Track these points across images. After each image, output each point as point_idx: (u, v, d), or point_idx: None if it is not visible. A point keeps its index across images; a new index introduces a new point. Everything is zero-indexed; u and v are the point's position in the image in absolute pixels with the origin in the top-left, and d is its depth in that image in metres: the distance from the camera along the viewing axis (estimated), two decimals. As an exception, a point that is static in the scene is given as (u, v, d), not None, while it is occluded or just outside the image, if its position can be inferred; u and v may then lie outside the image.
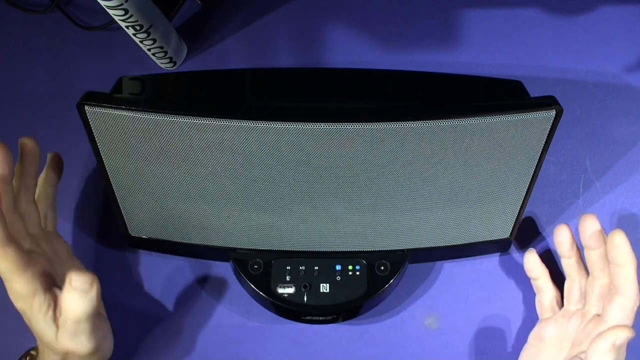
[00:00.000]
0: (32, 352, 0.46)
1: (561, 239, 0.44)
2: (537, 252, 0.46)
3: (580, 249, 0.44)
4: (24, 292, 0.38)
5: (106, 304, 0.45)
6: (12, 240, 0.37)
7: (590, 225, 0.42)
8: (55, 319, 0.39)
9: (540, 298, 0.46)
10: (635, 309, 0.39)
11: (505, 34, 0.60)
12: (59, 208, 0.47)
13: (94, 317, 0.39)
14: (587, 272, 0.44)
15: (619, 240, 0.39)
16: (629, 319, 0.39)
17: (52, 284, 0.39)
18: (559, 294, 0.46)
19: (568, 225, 0.44)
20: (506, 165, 0.41)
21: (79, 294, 0.37)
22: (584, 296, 0.44)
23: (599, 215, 0.52)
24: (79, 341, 0.39)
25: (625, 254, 0.39)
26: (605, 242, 0.41)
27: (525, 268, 0.47)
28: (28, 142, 0.43)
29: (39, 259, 0.39)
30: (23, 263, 0.37)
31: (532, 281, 0.47)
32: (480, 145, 0.39)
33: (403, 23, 0.61)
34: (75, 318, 0.38)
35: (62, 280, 0.38)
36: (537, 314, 0.47)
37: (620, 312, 0.39)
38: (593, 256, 0.42)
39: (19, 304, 0.38)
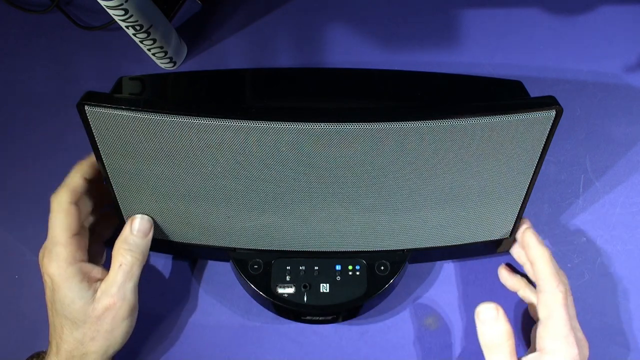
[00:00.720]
0: (42, 354, 0.46)
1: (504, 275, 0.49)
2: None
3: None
4: (63, 255, 0.40)
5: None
6: (78, 203, 0.42)
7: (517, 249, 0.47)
8: (90, 284, 0.41)
9: (529, 306, 0.47)
10: (558, 298, 0.40)
11: (505, 34, 0.60)
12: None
13: (142, 268, 0.43)
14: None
15: (526, 238, 0.43)
16: (557, 312, 0.40)
17: (87, 258, 0.43)
18: None
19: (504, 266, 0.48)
20: (506, 165, 0.41)
21: (139, 234, 0.43)
22: None
23: (599, 215, 0.52)
24: (125, 291, 0.42)
25: (532, 250, 0.43)
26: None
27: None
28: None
29: (86, 232, 0.44)
30: (76, 227, 0.42)
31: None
32: (480, 145, 0.39)
33: (403, 23, 0.61)
34: (132, 260, 0.42)
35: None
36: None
37: (544, 309, 0.40)
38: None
39: (52, 266, 0.40)
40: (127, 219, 0.45)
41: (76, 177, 0.43)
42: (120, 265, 0.42)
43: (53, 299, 0.41)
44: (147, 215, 0.44)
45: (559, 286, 0.40)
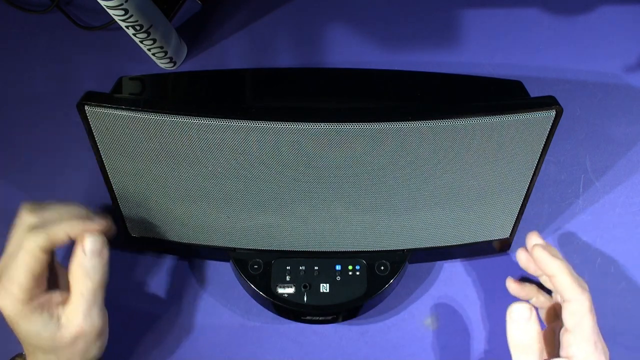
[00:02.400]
0: (17, 359, 0.45)
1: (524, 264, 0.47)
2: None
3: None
4: (20, 297, 0.37)
5: (106, 303, 0.45)
6: (52, 251, 0.39)
7: (523, 256, 0.45)
8: (52, 313, 0.39)
9: (540, 310, 0.47)
10: (585, 306, 0.40)
11: (505, 34, 0.60)
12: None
13: (104, 288, 0.40)
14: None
15: (538, 256, 0.42)
16: (585, 319, 0.40)
17: (45, 287, 0.40)
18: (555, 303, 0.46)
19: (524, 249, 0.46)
20: (506, 165, 0.41)
21: (93, 257, 0.39)
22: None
23: (599, 215, 0.52)
24: (92, 317, 0.39)
25: (549, 265, 0.41)
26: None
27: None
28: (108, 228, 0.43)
29: (47, 266, 0.40)
30: (41, 271, 0.38)
31: None
32: (480, 145, 0.39)
33: (403, 23, 0.61)
34: (93, 286, 0.39)
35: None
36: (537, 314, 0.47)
37: (571, 317, 0.40)
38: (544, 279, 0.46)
39: (7, 304, 0.38)
40: (127, 219, 0.45)
41: (61, 233, 0.39)
42: (82, 294, 0.39)
43: (16, 331, 0.39)
44: (99, 235, 0.40)
45: (583, 293, 0.40)
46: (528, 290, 0.47)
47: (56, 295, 0.40)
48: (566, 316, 0.40)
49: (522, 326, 0.39)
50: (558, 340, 0.41)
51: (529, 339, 0.39)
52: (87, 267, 0.39)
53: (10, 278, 0.38)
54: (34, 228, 0.39)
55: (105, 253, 0.40)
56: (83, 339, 0.39)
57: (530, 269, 0.46)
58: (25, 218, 0.40)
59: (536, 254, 0.42)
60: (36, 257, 0.38)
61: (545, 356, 0.40)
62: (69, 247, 0.44)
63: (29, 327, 0.38)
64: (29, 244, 0.38)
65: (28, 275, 0.38)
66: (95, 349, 0.41)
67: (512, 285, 0.47)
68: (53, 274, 0.42)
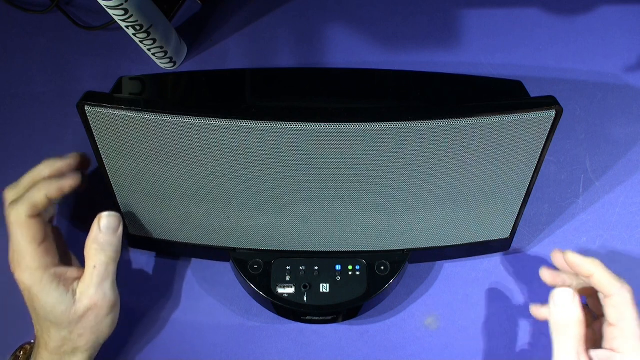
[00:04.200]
0: (26, 346, 0.46)
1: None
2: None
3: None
4: (35, 265, 0.40)
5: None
6: (40, 214, 0.41)
7: (559, 261, 0.44)
8: (67, 287, 0.41)
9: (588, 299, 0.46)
10: (627, 298, 0.40)
11: (505, 34, 0.60)
12: (58, 207, 0.47)
13: (116, 264, 0.42)
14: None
15: (571, 259, 0.42)
16: (628, 311, 0.39)
17: (58, 260, 0.42)
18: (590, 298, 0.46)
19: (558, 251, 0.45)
20: (506, 165, 0.41)
21: (108, 233, 0.42)
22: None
23: (599, 215, 0.52)
24: (104, 290, 0.41)
25: (584, 266, 0.41)
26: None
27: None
28: (82, 160, 0.46)
29: (52, 236, 0.42)
30: (41, 236, 0.41)
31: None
32: (480, 145, 0.39)
33: (403, 23, 0.61)
34: (106, 260, 0.41)
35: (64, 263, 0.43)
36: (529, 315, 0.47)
37: (614, 311, 0.40)
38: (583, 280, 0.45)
39: (26, 277, 0.40)
40: (127, 219, 0.45)
41: (40, 195, 0.41)
42: (95, 266, 0.41)
43: (33, 306, 0.41)
44: (115, 213, 0.43)
45: (624, 286, 0.40)
46: (564, 277, 0.46)
47: (72, 271, 0.42)
48: (609, 310, 0.40)
49: (565, 306, 0.39)
50: (598, 339, 0.41)
51: (571, 319, 0.39)
52: (101, 242, 0.42)
53: (19, 253, 0.40)
54: (13, 201, 0.41)
55: (120, 230, 0.43)
56: (94, 311, 0.41)
57: (558, 281, 0.46)
58: (6, 197, 0.43)
59: (571, 258, 0.42)
60: (26, 224, 0.40)
61: (584, 345, 0.39)
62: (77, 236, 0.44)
63: (47, 299, 0.40)
64: (13, 216, 0.40)
65: (30, 242, 0.40)
66: (105, 326, 0.43)
67: (546, 274, 0.46)
68: (67, 259, 0.45)
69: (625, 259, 0.50)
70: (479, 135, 0.38)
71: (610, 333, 0.40)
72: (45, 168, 0.43)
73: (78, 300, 0.41)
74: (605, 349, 0.40)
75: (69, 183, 0.43)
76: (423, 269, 0.50)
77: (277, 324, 0.49)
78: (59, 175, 0.43)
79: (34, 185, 0.42)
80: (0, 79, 0.60)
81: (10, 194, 0.43)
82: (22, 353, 0.46)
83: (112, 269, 0.42)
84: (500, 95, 0.46)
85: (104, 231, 0.42)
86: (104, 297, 0.41)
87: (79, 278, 0.42)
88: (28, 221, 0.40)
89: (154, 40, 0.53)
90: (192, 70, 0.60)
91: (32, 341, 0.47)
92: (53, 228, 0.45)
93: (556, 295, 0.40)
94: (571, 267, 0.43)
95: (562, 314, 0.39)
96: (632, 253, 0.51)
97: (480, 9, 0.62)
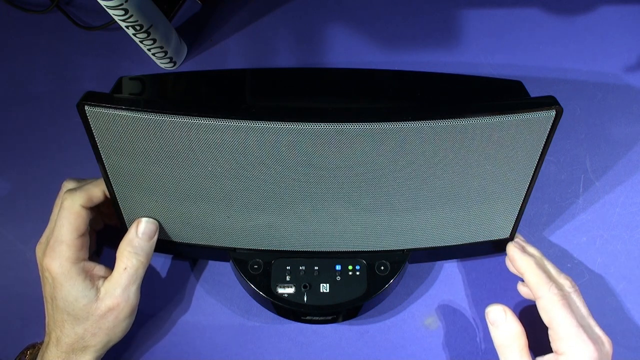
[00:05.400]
0: (31, 350, 0.46)
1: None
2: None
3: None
4: (67, 254, 0.41)
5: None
6: (91, 208, 0.43)
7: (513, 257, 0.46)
8: (93, 283, 0.42)
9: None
10: (552, 301, 0.40)
11: (505, 34, 0.60)
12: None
13: (145, 271, 0.44)
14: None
15: (510, 253, 0.45)
16: (556, 314, 0.40)
17: (88, 258, 0.43)
18: None
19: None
20: (506, 165, 0.41)
21: (144, 238, 0.43)
22: None
23: (599, 215, 0.52)
24: (129, 293, 0.42)
25: (516, 262, 0.44)
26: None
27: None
28: None
29: (89, 235, 0.44)
30: (83, 229, 0.42)
31: None
32: (480, 145, 0.39)
33: (403, 23, 0.61)
34: (137, 264, 0.42)
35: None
36: (537, 314, 0.47)
37: (544, 314, 0.41)
38: None
39: (56, 265, 0.41)
40: (127, 219, 0.45)
41: (97, 190, 0.43)
42: (126, 268, 0.42)
43: (54, 296, 0.41)
44: (152, 218, 0.44)
45: (551, 289, 0.41)
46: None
47: (99, 268, 0.43)
48: (542, 314, 0.41)
49: (500, 327, 0.41)
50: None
51: (509, 338, 0.41)
52: (135, 246, 0.43)
53: (57, 238, 0.41)
54: (71, 189, 0.43)
55: (155, 238, 0.44)
56: (115, 312, 0.42)
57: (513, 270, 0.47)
58: (65, 185, 0.45)
59: (509, 251, 0.44)
60: (77, 212, 0.42)
61: (529, 355, 0.40)
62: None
63: (71, 290, 0.41)
64: (68, 202, 0.42)
65: (73, 232, 0.41)
66: (120, 329, 0.43)
67: (523, 290, 0.47)
68: (95, 260, 0.45)
69: (625, 259, 0.50)
70: (479, 135, 0.38)
71: (550, 336, 0.41)
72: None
73: (101, 298, 0.42)
74: (553, 352, 0.41)
75: None
76: (423, 269, 0.50)
77: (277, 324, 0.49)
78: None
79: (95, 182, 0.44)
80: (0, 78, 0.60)
81: (70, 183, 0.45)
82: (28, 352, 0.46)
83: (141, 273, 0.43)
84: (500, 95, 0.46)
85: (140, 236, 0.43)
86: (127, 299, 0.42)
87: (104, 277, 0.43)
88: (79, 210, 0.42)
89: (154, 40, 0.53)
90: (192, 70, 0.60)
91: (38, 343, 0.47)
92: (92, 230, 0.46)
93: (490, 315, 0.42)
94: (510, 261, 0.45)
95: (499, 333, 0.41)
96: (632, 253, 0.51)
97: (480, 9, 0.62)
